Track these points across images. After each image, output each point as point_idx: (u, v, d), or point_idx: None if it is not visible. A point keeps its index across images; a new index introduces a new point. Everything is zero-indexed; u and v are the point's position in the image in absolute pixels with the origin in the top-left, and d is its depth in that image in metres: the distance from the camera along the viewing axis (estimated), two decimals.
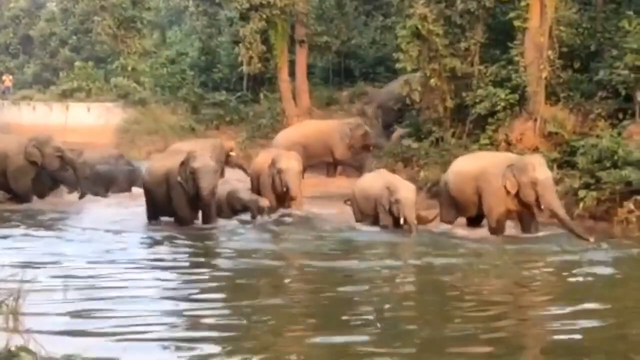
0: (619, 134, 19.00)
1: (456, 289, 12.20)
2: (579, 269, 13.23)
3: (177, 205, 17.27)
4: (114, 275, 12.96)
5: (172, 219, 17.89)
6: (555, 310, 10.70)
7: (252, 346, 8.59)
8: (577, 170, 17.99)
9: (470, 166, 17.14)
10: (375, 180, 17.81)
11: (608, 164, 17.64)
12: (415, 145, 22.66)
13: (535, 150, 19.94)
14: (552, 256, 14.56)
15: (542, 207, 15.90)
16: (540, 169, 15.93)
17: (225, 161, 23.04)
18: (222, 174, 20.26)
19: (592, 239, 15.17)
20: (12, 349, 3.38)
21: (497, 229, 16.22)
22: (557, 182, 17.07)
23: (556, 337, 9.45)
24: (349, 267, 13.53)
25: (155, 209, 17.95)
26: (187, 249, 15.50)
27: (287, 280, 12.97)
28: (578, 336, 9.32)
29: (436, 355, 8.44)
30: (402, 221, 16.54)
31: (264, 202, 17.85)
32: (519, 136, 20.77)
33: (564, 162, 18.64)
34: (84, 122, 36.42)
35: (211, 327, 9.51)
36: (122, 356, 8.05)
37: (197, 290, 11.84)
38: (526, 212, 16.32)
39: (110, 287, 11.99)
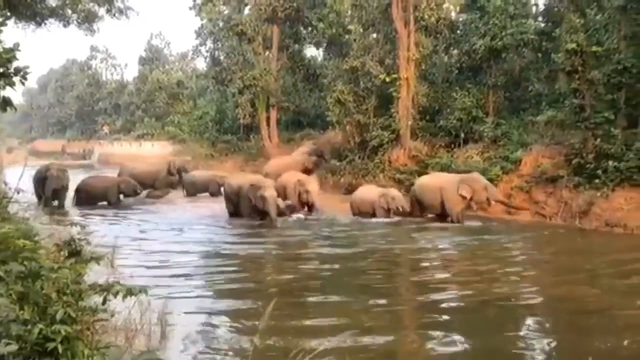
0: (452, 155, 19.16)
1: (405, 262, 11.15)
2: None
3: (243, 210, 15.41)
4: (180, 244, 12.03)
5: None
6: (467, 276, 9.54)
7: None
8: None
9: (432, 181, 15.64)
10: (371, 191, 16.36)
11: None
12: (338, 163, 22.29)
13: (405, 166, 19.95)
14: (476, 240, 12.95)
15: (491, 201, 14.87)
16: (483, 180, 14.99)
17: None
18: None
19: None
20: (110, 282, 3.23)
21: (458, 220, 14.76)
22: None
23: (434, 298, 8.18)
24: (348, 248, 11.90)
25: (232, 209, 15.97)
26: (240, 234, 13.87)
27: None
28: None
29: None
30: (396, 209, 15.33)
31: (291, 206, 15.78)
32: (395, 158, 20.66)
33: (422, 172, 18.09)
34: (150, 152, 35.83)
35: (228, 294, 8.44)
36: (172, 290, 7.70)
37: (228, 262, 10.59)
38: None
39: (175, 250, 11.37)
